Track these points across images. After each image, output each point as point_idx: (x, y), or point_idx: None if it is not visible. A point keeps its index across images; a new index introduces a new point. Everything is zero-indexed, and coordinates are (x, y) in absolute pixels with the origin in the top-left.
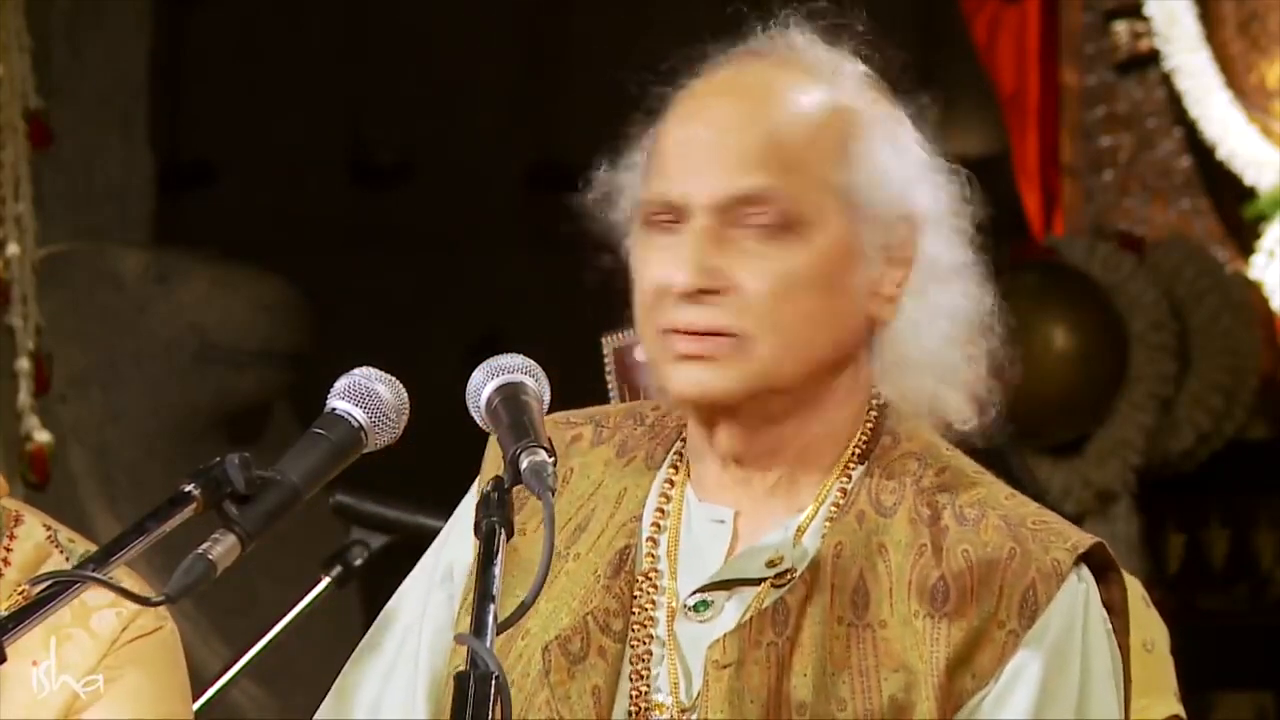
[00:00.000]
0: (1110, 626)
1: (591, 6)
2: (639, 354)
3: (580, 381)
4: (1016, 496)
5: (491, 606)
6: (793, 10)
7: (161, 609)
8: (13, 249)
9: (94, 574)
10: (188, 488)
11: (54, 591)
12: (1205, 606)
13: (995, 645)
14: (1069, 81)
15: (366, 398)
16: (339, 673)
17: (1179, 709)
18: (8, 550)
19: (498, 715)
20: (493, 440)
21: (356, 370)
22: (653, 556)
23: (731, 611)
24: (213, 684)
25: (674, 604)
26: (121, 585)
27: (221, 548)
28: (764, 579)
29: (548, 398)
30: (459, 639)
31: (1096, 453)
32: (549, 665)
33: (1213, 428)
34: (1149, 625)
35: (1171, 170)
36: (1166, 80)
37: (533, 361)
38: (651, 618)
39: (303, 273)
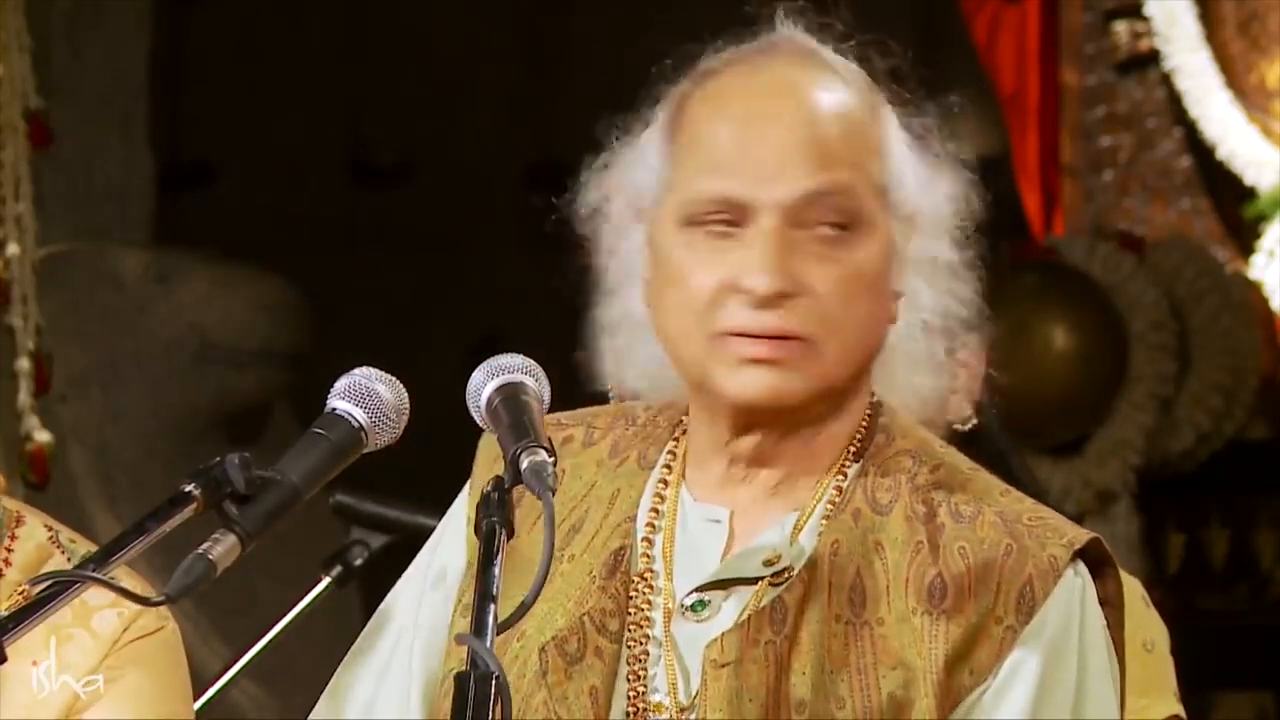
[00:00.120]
0: (1106, 621)
1: (591, 6)
2: None
3: (580, 382)
4: (1011, 493)
5: (492, 607)
6: (781, 8)
7: (162, 609)
8: (13, 249)
9: (94, 574)
10: (188, 488)
11: (54, 591)
12: (1205, 606)
13: (993, 641)
14: (1069, 81)
15: (367, 398)
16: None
17: (1179, 709)
18: (9, 551)
19: (498, 715)
20: (482, 441)
21: (356, 370)
22: (648, 557)
23: (729, 611)
24: (213, 684)
25: (670, 604)
26: (122, 585)
27: (221, 548)
28: (761, 578)
29: (548, 398)
30: (459, 639)
31: (1096, 453)
32: (546, 666)
33: (1213, 428)
34: (1149, 625)
35: (1171, 170)
36: (1166, 80)
37: (533, 361)
38: (648, 618)
39: (303, 273)
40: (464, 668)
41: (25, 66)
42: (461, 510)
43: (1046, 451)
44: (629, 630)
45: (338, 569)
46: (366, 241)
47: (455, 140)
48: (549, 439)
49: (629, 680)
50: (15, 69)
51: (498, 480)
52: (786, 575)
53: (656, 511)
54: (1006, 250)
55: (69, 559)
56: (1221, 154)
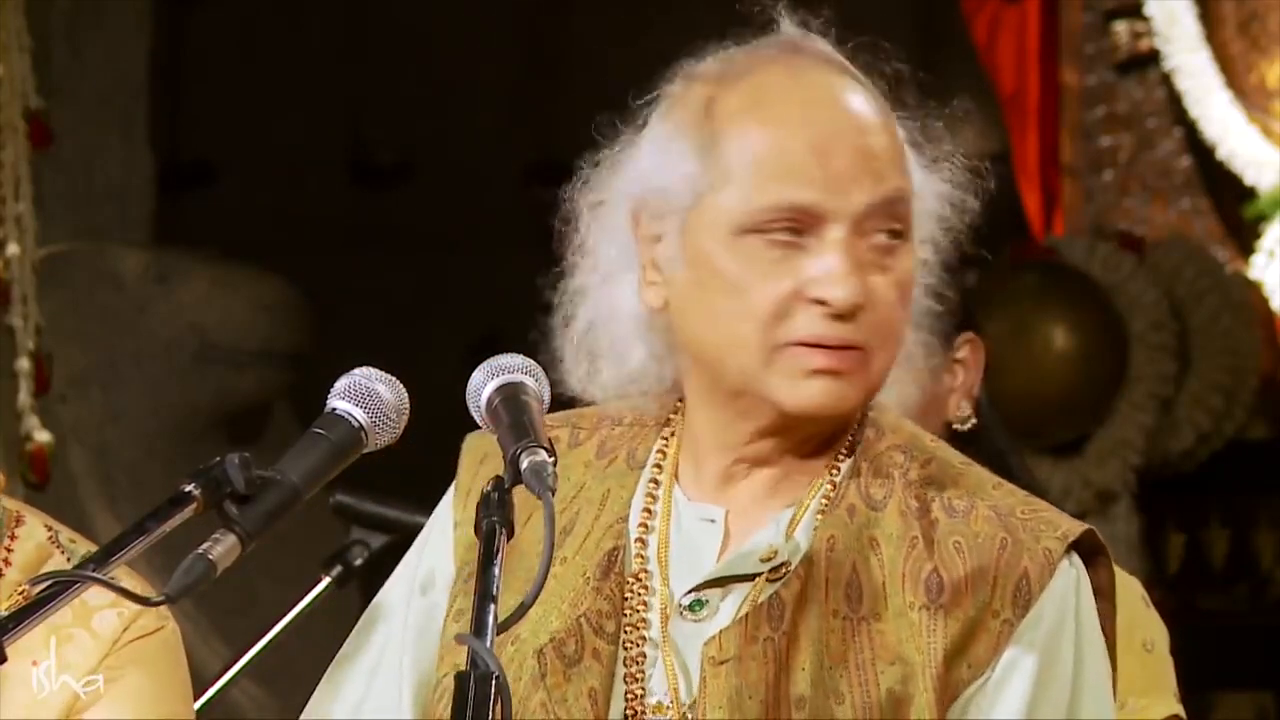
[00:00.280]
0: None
1: (591, 6)
2: None
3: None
4: (1004, 485)
5: (492, 607)
6: (782, 8)
7: (162, 609)
8: (13, 249)
9: (94, 574)
10: (188, 488)
11: (54, 591)
12: (1205, 606)
13: (990, 635)
14: (1069, 81)
15: (367, 398)
16: None
17: (1179, 709)
18: (9, 550)
19: (498, 715)
20: (466, 443)
21: (356, 370)
22: (642, 558)
23: (727, 609)
24: (213, 684)
25: (667, 605)
26: (122, 585)
27: (221, 548)
28: (759, 574)
29: (547, 398)
30: (459, 639)
31: (1096, 453)
32: (545, 669)
33: (1213, 428)
34: (1149, 625)
35: (1171, 170)
36: (1166, 80)
37: (533, 361)
38: (644, 619)
39: (303, 273)
40: (463, 668)
41: (25, 66)
42: (448, 513)
43: (1046, 451)
44: (625, 632)
45: (338, 569)
46: (366, 241)
47: (455, 140)
48: (549, 439)
49: (626, 682)
50: (15, 69)
51: (498, 480)
52: (784, 571)
53: (649, 512)
54: (1006, 250)
55: (69, 559)
56: (1221, 154)
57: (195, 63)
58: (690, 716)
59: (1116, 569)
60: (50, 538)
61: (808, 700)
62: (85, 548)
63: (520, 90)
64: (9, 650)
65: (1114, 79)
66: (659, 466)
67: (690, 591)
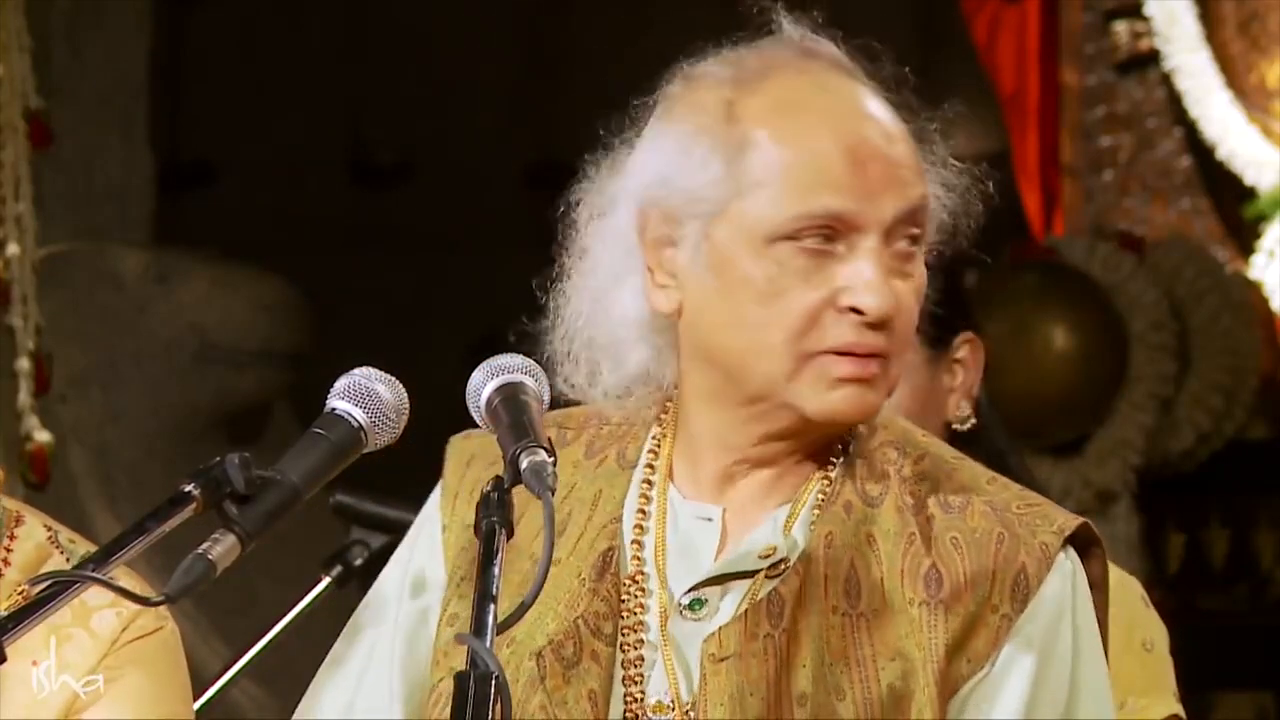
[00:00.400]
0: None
1: (591, 6)
2: None
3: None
4: (998, 480)
5: (491, 606)
6: (782, 9)
7: (162, 609)
8: (13, 249)
9: (94, 574)
10: (188, 488)
11: (54, 591)
12: (1205, 606)
13: (989, 629)
14: (1069, 81)
15: (366, 398)
16: None
17: (1178, 709)
18: (8, 550)
19: (497, 715)
20: (452, 445)
21: (356, 370)
22: (639, 559)
23: (727, 607)
24: (213, 684)
25: (666, 605)
26: (121, 585)
27: (221, 548)
28: (758, 570)
29: (547, 398)
30: (459, 639)
31: (1096, 453)
32: (544, 671)
33: (1213, 428)
34: (1149, 625)
35: (1171, 170)
36: (1166, 80)
37: (533, 361)
38: (641, 622)
39: (303, 273)
40: (463, 668)
41: (25, 66)
42: (435, 515)
43: (1046, 451)
44: (622, 634)
45: (338, 569)
46: (366, 241)
47: (455, 140)
48: (549, 439)
49: (625, 684)
50: (15, 69)
51: (497, 480)
52: (782, 568)
53: (644, 513)
54: (1006, 250)
55: (68, 559)
56: (1221, 154)
57: (195, 63)
58: (692, 715)
59: (1117, 569)
60: (50, 538)
61: (809, 697)
62: (85, 548)
63: (520, 90)
64: (9, 650)
65: (1114, 79)
66: (651, 466)
67: (690, 590)
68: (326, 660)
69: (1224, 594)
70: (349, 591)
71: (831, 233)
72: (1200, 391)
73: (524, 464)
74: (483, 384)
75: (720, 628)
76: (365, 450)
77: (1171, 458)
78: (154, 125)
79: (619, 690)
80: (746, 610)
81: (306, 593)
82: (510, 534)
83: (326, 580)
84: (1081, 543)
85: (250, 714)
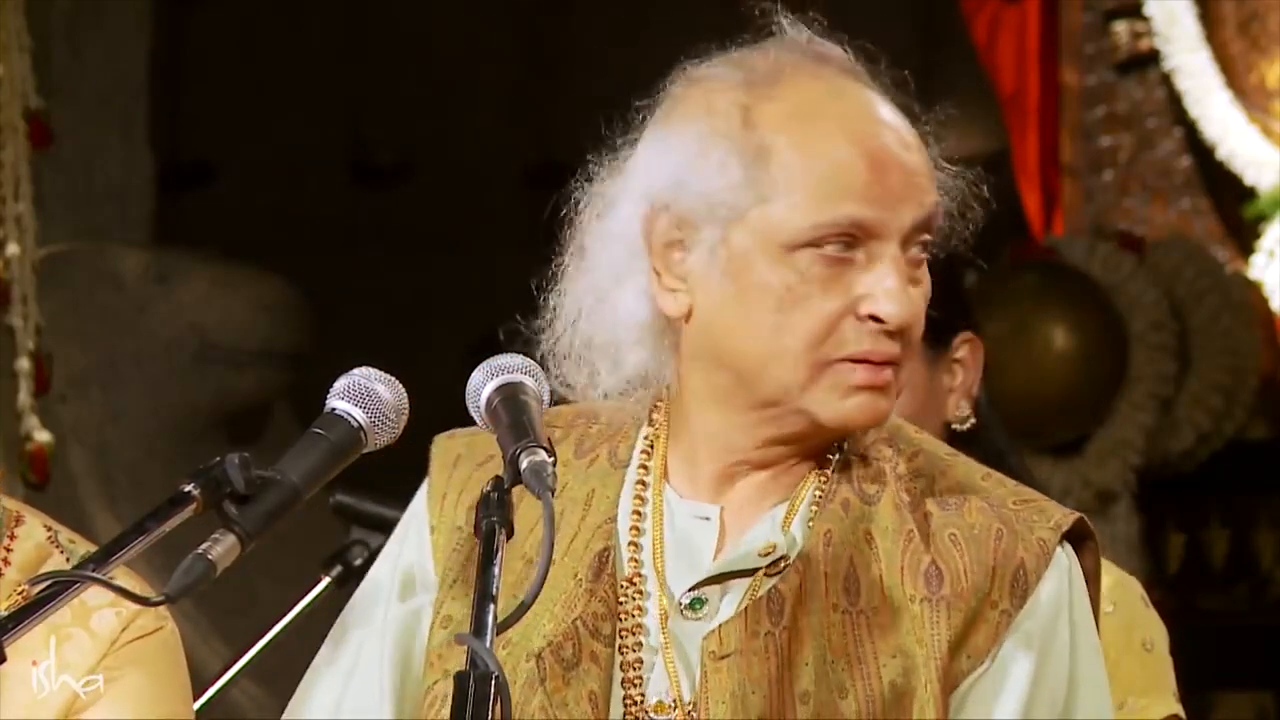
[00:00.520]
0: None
1: (591, 6)
2: None
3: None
4: (992, 476)
5: (491, 606)
6: (783, 10)
7: (162, 609)
8: (13, 249)
9: (94, 574)
10: (188, 488)
11: (54, 591)
12: (1205, 606)
13: (989, 625)
14: (1069, 81)
15: (366, 398)
16: None
17: (1178, 709)
18: (8, 550)
19: (497, 715)
20: (437, 445)
21: (356, 370)
22: (636, 560)
23: (727, 606)
24: (213, 684)
25: (665, 605)
26: (121, 585)
27: (221, 548)
28: (758, 569)
29: (547, 397)
30: (459, 639)
31: (1096, 453)
32: (545, 673)
33: (1213, 428)
34: (1149, 625)
35: (1171, 170)
36: (1166, 80)
37: (533, 361)
38: (640, 624)
39: (303, 273)
40: (461, 669)
41: (25, 66)
42: (423, 515)
43: (1046, 451)
44: (620, 636)
45: (338, 569)
46: (366, 241)
47: (455, 140)
48: (549, 439)
49: (624, 686)
50: (15, 69)
51: (497, 480)
52: (782, 564)
53: (639, 514)
54: (1006, 250)
55: (68, 559)
56: (1221, 154)
57: (195, 63)
58: (694, 714)
59: (1117, 569)
60: (50, 538)
61: (812, 695)
62: (85, 548)
63: (520, 90)
64: (9, 650)
65: (1114, 79)
66: (645, 466)
67: (690, 589)
68: (316, 659)
69: (1224, 594)
70: (349, 591)
71: (852, 240)
72: (1200, 391)
73: (524, 464)
74: (482, 384)
75: (721, 625)
76: (365, 450)
77: (1171, 458)
78: (154, 125)
79: (618, 692)
80: (747, 608)
81: (306, 593)
82: (510, 534)
83: (326, 580)
84: (1075, 536)
85: (250, 714)
